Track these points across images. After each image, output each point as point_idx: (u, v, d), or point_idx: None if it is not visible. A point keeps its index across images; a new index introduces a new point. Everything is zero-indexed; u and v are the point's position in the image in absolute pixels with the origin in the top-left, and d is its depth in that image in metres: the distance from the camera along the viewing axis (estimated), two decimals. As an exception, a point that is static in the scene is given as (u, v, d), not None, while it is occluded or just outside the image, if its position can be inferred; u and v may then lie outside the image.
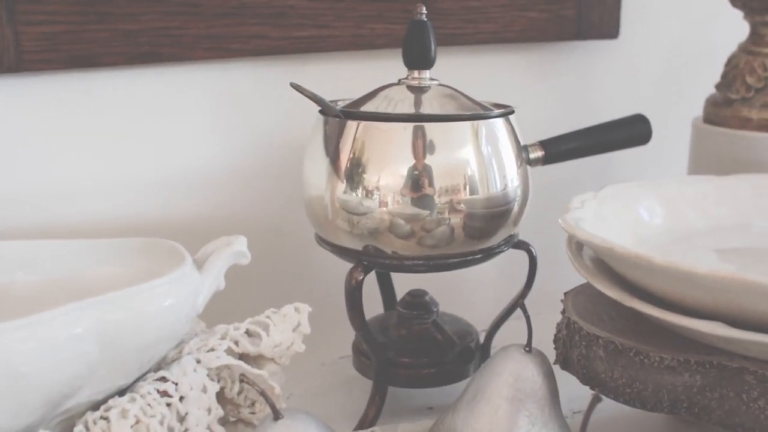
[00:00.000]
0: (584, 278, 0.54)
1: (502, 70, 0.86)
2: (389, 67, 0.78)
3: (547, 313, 0.66)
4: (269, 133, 0.75)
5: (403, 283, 0.73)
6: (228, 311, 0.60)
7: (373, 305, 0.73)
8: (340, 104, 0.65)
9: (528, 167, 0.66)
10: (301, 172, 0.64)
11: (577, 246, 0.58)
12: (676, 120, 0.93)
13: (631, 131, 0.72)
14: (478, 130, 0.61)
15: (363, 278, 0.61)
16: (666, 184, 0.65)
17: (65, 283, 0.57)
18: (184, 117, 0.73)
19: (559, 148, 0.69)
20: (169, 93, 0.72)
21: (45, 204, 0.69)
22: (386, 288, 0.75)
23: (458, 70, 0.82)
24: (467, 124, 0.61)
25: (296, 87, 0.59)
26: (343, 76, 0.78)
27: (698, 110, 0.83)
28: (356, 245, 0.62)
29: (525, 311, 0.54)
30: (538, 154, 0.68)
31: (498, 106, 0.68)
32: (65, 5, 0.66)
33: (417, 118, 0.60)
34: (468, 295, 0.87)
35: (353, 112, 0.61)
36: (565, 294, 0.60)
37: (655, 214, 0.62)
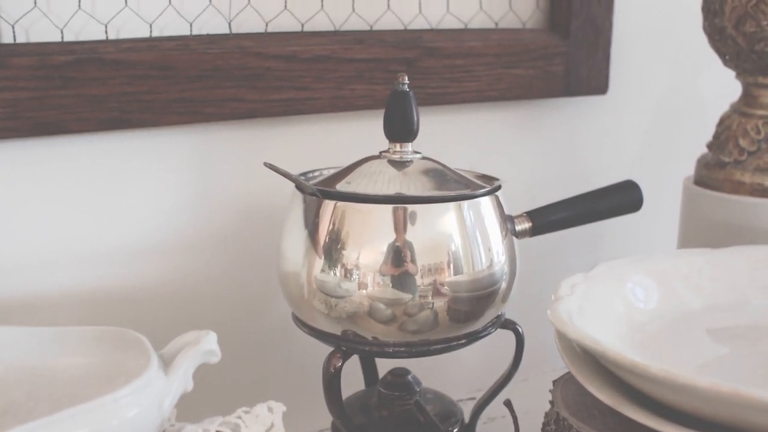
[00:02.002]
0: (575, 376, 0.51)
1: (487, 129, 0.83)
2: (372, 128, 0.75)
3: (535, 392, 0.63)
4: (245, 200, 0.72)
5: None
6: (198, 398, 0.57)
7: (354, 378, 0.70)
8: (318, 176, 0.62)
9: (515, 240, 0.63)
10: (278, 246, 0.61)
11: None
12: (667, 178, 0.91)
13: (622, 199, 0.70)
14: (462, 210, 0.58)
15: (342, 365, 0.58)
16: (658, 260, 0.63)
17: (26, 373, 0.54)
18: (154, 183, 0.69)
19: (548, 219, 0.67)
20: (140, 158, 0.68)
21: (6, 274, 0.65)
22: (368, 365, 0.72)
23: (442, 131, 0.80)
24: (451, 204, 0.58)
25: (270, 166, 0.56)
26: (324, 139, 0.75)
27: (689, 167, 0.81)
28: (334, 329, 0.58)
29: (512, 410, 0.51)
30: (525, 225, 0.65)
31: (484, 177, 0.65)
32: (28, 70, 0.62)
33: (397, 199, 0.57)
34: (453, 368, 0.84)
35: (330, 191, 0.58)
36: (554, 383, 0.57)
37: (649, 297, 0.59)
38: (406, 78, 0.61)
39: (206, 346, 0.48)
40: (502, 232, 0.61)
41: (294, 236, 0.59)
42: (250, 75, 0.70)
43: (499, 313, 0.62)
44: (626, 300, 0.57)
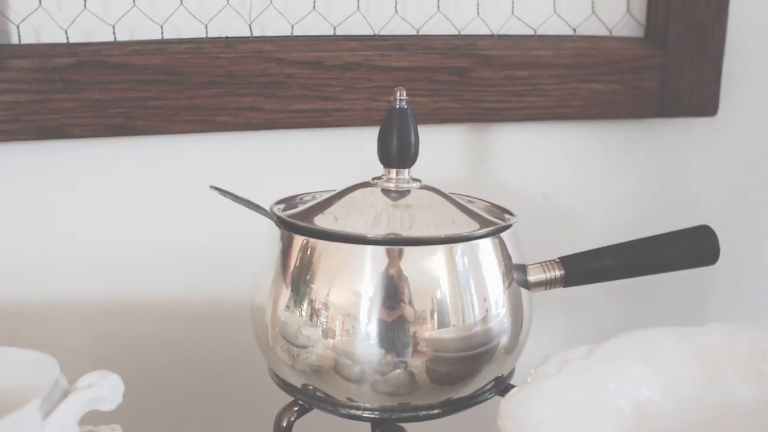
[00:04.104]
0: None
1: (557, 152, 0.72)
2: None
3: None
4: (257, 216, 0.66)
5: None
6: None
7: None
8: (308, 201, 0.55)
9: (526, 291, 0.53)
10: (253, 277, 0.54)
11: None
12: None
13: (690, 249, 0.57)
14: (454, 253, 0.49)
15: (294, 420, 0.51)
16: (708, 333, 0.50)
17: None
18: (158, 193, 0.65)
19: (586, 268, 0.56)
20: (145, 166, 0.64)
21: (6, 278, 0.63)
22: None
23: (497, 151, 0.70)
24: (440, 247, 0.49)
25: (218, 190, 0.49)
26: (352, 156, 0.67)
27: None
28: (296, 381, 0.51)
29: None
30: (554, 273, 0.54)
31: (499, 212, 0.55)
32: (28, 72, 0.59)
33: (370, 240, 0.48)
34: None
35: (296, 225, 0.50)
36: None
37: (673, 385, 0.46)
38: (404, 93, 0.52)
39: (96, 391, 0.42)
40: (504, 281, 0.51)
41: (265, 268, 0.52)
42: (269, 82, 0.63)
43: (499, 375, 0.52)
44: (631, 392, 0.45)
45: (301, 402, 0.51)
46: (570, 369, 0.44)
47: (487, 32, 0.69)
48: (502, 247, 0.51)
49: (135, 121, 0.62)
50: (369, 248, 0.48)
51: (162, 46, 0.63)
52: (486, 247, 0.50)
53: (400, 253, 0.48)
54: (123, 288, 0.66)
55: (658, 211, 0.74)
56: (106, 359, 0.66)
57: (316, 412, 0.52)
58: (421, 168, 0.66)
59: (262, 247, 0.54)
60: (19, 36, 0.61)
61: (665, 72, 0.71)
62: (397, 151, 0.52)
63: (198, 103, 0.63)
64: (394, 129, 0.52)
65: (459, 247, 0.49)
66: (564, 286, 0.55)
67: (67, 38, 0.62)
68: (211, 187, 0.50)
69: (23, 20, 0.61)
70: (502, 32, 0.69)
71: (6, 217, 0.63)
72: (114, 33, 0.62)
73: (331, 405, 0.50)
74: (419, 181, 0.54)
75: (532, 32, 0.70)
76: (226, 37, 0.64)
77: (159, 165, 0.64)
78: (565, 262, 0.55)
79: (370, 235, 0.49)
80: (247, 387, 0.68)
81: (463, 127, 0.69)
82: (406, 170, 0.53)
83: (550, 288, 0.54)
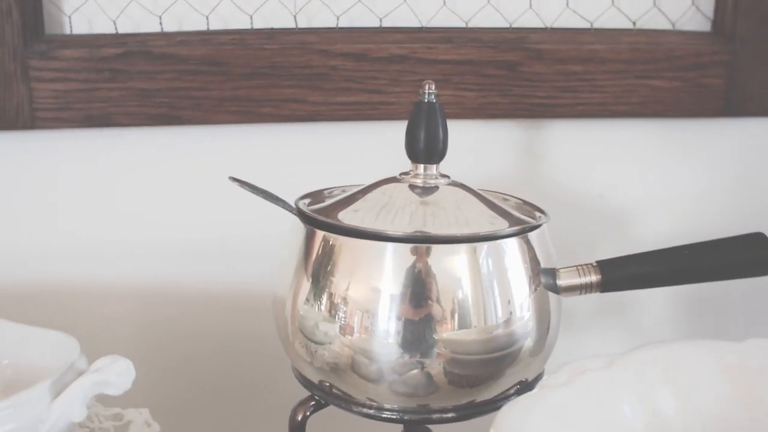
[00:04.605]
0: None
1: (613, 151, 0.69)
2: (458, 140, 0.66)
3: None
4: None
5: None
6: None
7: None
8: (337, 195, 0.54)
9: (555, 296, 0.50)
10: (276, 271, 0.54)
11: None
12: None
13: (742, 257, 0.53)
14: (478, 253, 0.48)
15: (308, 415, 0.50)
16: (747, 348, 0.46)
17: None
18: (203, 181, 0.65)
19: (625, 273, 0.53)
20: (189, 156, 0.65)
21: (52, 261, 0.65)
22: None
23: (549, 149, 0.67)
24: (462, 246, 0.47)
25: (237, 181, 0.49)
26: (398, 150, 0.66)
27: None
28: (313, 377, 0.51)
29: None
30: (589, 278, 0.52)
31: (534, 208, 0.53)
32: (77, 62, 0.61)
33: (390, 237, 0.47)
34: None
35: (317, 219, 0.49)
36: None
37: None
38: (433, 86, 0.51)
39: (103, 375, 0.43)
40: (530, 282, 0.49)
41: (287, 261, 0.52)
42: (312, 74, 0.63)
43: (523, 379, 0.50)
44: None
45: (317, 397, 0.51)
46: (583, 380, 0.41)
47: (540, 25, 0.66)
48: (529, 247, 0.49)
49: (180, 111, 0.63)
50: (389, 245, 0.47)
51: (207, 36, 0.63)
52: (511, 247, 0.48)
53: (420, 251, 0.47)
54: (168, 277, 0.67)
55: (720, 218, 0.70)
56: (146, 346, 0.67)
57: (336, 410, 0.51)
58: (465, 164, 0.65)
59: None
60: (70, 26, 0.63)
61: (732, 69, 0.67)
62: (425, 146, 0.51)
63: (241, 94, 0.63)
64: (422, 123, 0.51)
65: (481, 246, 0.48)
66: (601, 292, 0.52)
67: (116, 28, 0.63)
68: (230, 178, 0.50)
69: (75, 11, 0.63)
70: (555, 25, 0.67)
71: (56, 201, 0.65)
72: (161, 23, 0.63)
73: (345, 402, 0.50)
74: (447, 177, 0.52)
75: (588, 25, 0.67)
76: (271, 29, 0.64)
77: (202, 155, 0.65)
78: (603, 266, 0.52)
79: (389, 232, 0.47)
80: (274, 381, 0.68)
81: (512, 123, 0.67)
82: (434, 166, 0.52)
83: (586, 293, 0.52)
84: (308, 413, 0.50)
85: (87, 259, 0.65)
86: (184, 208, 0.66)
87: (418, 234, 0.47)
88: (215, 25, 0.64)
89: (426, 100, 0.51)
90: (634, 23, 0.67)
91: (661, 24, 0.67)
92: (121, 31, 0.63)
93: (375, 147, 0.66)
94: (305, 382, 0.52)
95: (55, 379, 0.43)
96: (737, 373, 0.44)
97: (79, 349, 0.47)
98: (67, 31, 0.63)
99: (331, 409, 0.51)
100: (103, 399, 0.53)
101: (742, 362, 0.44)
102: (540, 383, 0.41)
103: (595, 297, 0.67)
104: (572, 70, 0.65)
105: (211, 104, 0.63)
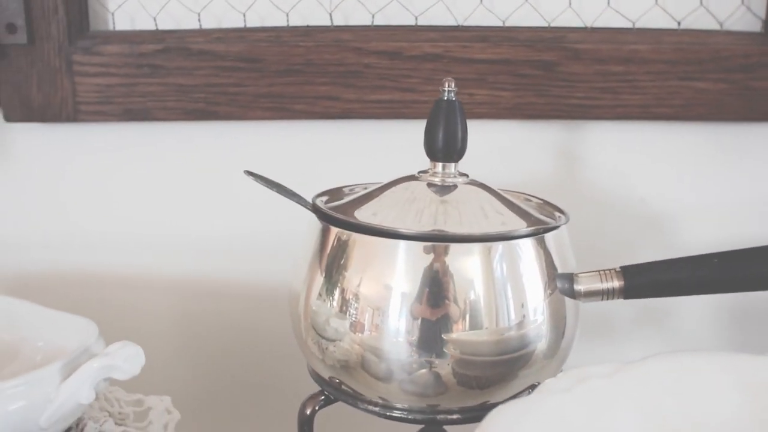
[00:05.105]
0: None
1: (655, 154, 0.67)
2: (492, 140, 0.65)
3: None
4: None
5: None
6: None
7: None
8: (357, 192, 0.54)
9: (573, 301, 0.49)
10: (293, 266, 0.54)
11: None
12: None
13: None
14: (492, 253, 0.47)
15: (317, 410, 0.51)
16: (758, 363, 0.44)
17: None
18: (237, 176, 0.66)
19: (649, 279, 0.51)
20: (223, 151, 0.66)
21: (93, 249, 0.67)
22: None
23: (588, 151, 0.66)
24: (475, 246, 0.47)
25: (253, 176, 0.50)
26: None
27: None
28: (323, 373, 0.51)
29: None
30: (613, 283, 0.50)
31: (555, 209, 0.52)
32: (118, 57, 0.63)
33: (403, 236, 0.47)
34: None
35: (331, 216, 0.50)
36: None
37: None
38: (453, 84, 0.50)
39: (111, 360, 0.44)
40: (544, 284, 0.48)
41: (302, 257, 0.52)
42: (346, 72, 0.63)
43: (536, 382, 0.49)
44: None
45: (326, 393, 0.51)
46: (585, 387, 0.40)
47: (580, 25, 0.65)
48: (544, 248, 0.48)
49: (216, 107, 0.64)
50: (401, 243, 0.47)
51: (243, 33, 0.64)
52: (526, 247, 0.48)
53: (433, 250, 0.47)
54: (204, 271, 0.68)
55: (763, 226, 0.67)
56: (182, 338, 0.68)
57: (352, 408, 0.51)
58: (500, 165, 0.64)
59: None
60: (113, 22, 0.65)
61: (783, 70, 0.64)
62: (443, 145, 0.51)
63: (276, 91, 0.64)
64: (441, 121, 0.50)
65: (495, 246, 0.47)
66: (624, 298, 0.51)
67: (156, 25, 0.64)
68: (246, 172, 0.50)
69: (119, 7, 0.64)
70: (596, 25, 0.65)
71: (94, 191, 0.67)
72: (199, 20, 0.64)
73: (353, 399, 0.50)
74: (466, 175, 0.52)
75: (630, 25, 0.65)
76: (306, 26, 0.65)
77: (237, 150, 0.66)
78: (626, 272, 0.50)
79: (402, 230, 0.47)
80: (293, 377, 0.68)
81: (548, 124, 0.66)
82: (453, 164, 0.51)
83: (607, 299, 0.50)
84: (317, 407, 0.51)
85: (120, 251, 0.67)
86: (216, 203, 0.67)
87: (430, 233, 0.47)
88: (252, 22, 0.65)
89: (445, 98, 0.50)
90: (678, 23, 0.65)
91: (708, 24, 0.65)
92: (161, 27, 0.65)
93: (406, 145, 0.65)
94: (317, 378, 0.52)
95: (67, 361, 0.45)
96: (753, 389, 0.42)
97: (97, 333, 0.49)
98: (111, 28, 0.65)
99: (347, 408, 0.51)
100: (126, 385, 0.55)
101: (757, 377, 0.42)
102: (539, 387, 0.40)
103: (636, 304, 0.66)
104: (612, 71, 0.64)
105: (247, 100, 0.64)
